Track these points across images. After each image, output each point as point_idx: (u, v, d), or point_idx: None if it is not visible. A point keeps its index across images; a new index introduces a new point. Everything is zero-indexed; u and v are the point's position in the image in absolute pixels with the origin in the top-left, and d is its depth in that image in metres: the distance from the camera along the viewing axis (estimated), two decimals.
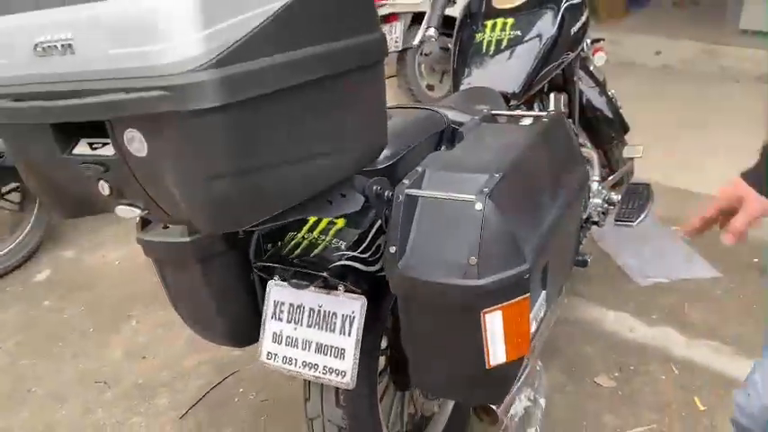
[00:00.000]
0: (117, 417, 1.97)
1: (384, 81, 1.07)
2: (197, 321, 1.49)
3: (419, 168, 1.15)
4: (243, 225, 0.92)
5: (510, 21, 2.06)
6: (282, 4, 0.83)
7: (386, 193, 1.20)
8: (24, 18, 0.84)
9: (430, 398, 1.66)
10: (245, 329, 1.46)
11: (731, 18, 5.76)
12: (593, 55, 2.44)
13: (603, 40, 2.45)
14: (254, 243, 1.38)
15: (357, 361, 1.25)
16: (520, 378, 1.46)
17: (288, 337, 1.33)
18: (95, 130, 0.86)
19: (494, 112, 1.47)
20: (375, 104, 1.05)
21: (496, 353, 1.10)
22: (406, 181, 1.11)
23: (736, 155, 3.63)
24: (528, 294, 1.08)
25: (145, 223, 1.40)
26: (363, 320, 1.24)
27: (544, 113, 1.37)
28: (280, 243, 1.34)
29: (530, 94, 2.01)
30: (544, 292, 1.22)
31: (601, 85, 2.58)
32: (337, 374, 1.26)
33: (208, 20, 0.75)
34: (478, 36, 2.07)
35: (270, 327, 1.35)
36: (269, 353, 1.35)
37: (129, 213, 0.93)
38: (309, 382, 1.38)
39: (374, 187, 1.19)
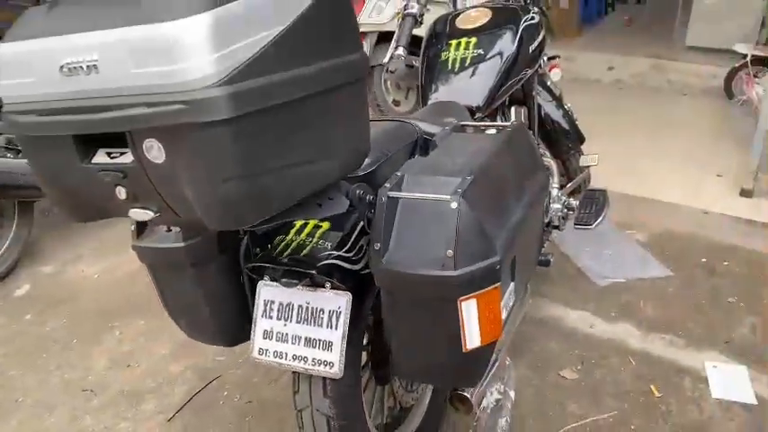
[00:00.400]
0: (105, 422, 2.03)
1: (366, 95, 1.20)
2: (189, 323, 1.58)
3: (398, 173, 1.27)
4: (248, 223, 1.03)
5: (473, 40, 2.21)
6: (282, 29, 0.95)
7: (367, 197, 1.33)
8: (51, 42, 0.94)
9: (409, 390, 1.77)
10: (235, 329, 1.56)
11: (678, 35, 6.08)
12: (550, 71, 2.62)
13: (559, 57, 2.63)
14: (243, 247, 1.49)
15: (344, 352, 1.35)
16: (490, 372, 1.59)
17: (278, 333, 1.43)
18: (113, 140, 0.97)
19: (462, 123, 1.61)
20: (359, 116, 1.17)
21: (472, 337, 1.23)
22: (387, 184, 1.24)
23: (684, 163, 3.87)
24: (499, 284, 1.21)
25: (140, 231, 1.50)
26: (349, 315, 1.35)
27: (508, 124, 1.52)
28: (269, 246, 1.45)
29: (492, 108, 2.16)
30: (513, 283, 1.36)
31: (557, 99, 2.76)
32: (326, 365, 1.37)
33: (219, 44, 0.87)
34: (444, 54, 2.21)
35: (260, 324, 1.45)
36: (260, 349, 1.45)
37: (142, 216, 1.03)
38: (298, 375, 1.47)
39: (357, 192, 1.31)
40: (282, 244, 1.42)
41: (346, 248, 1.38)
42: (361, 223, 1.39)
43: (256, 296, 1.45)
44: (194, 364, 2.26)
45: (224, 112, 0.87)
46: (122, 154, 0.98)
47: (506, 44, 2.19)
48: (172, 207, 1.00)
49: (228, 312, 1.53)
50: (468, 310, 1.20)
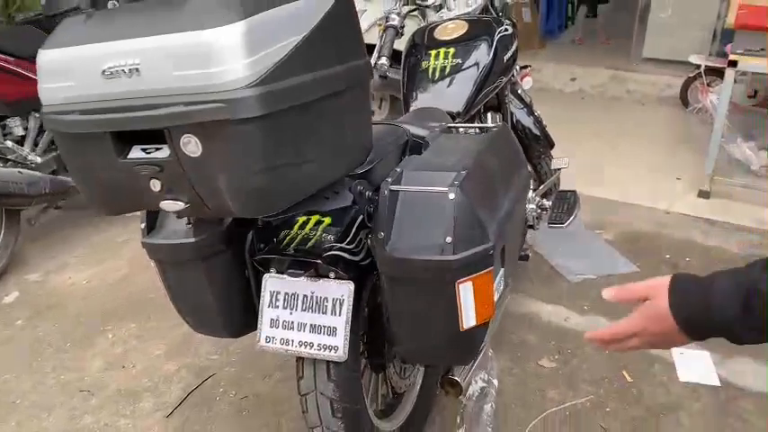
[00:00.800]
0: (104, 420, 2.09)
1: (369, 98, 1.32)
2: (196, 317, 1.66)
3: (398, 169, 1.39)
4: (272, 210, 1.14)
5: (451, 50, 2.35)
6: (303, 36, 1.07)
7: (366, 193, 1.45)
8: (93, 48, 1.04)
9: (402, 377, 1.88)
10: (241, 321, 1.65)
11: (636, 48, 6.36)
12: (522, 80, 2.77)
13: (530, 66, 2.79)
14: (248, 242, 1.59)
15: (348, 337, 1.46)
16: (477, 359, 1.71)
17: (284, 321, 1.53)
18: (148, 137, 1.07)
19: (449, 125, 1.74)
20: (364, 116, 1.30)
21: (468, 317, 1.35)
22: (389, 179, 1.36)
23: (645, 168, 4.07)
24: (492, 267, 1.34)
25: (150, 228, 1.58)
26: (352, 302, 1.46)
27: (493, 125, 1.65)
28: (275, 239, 1.55)
29: (471, 114, 2.30)
30: (502, 269, 1.48)
31: (528, 106, 2.92)
32: (330, 350, 1.47)
33: (252, 49, 0.98)
34: (424, 64, 2.35)
35: (267, 314, 1.54)
36: (267, 337, 1.54)
37: (172, 207, 1.13)
38: (303, 361, 1.56)
39: (358, 187, 1.43)
40: (288, 237, 1.53)
41: (348, 240, 1.50)
42: (360, 217, 1.51)
43: (262, 288, 1.54)
44: (188, 364, 2.33)
45: (257, 109, 0.98)
46: (158, 149, 1.08)
47: (483, 54, 2.33)
48: (202, 198, 1.10)
49: (234, 305, 1.62)
50: (465, 291, 1.32)
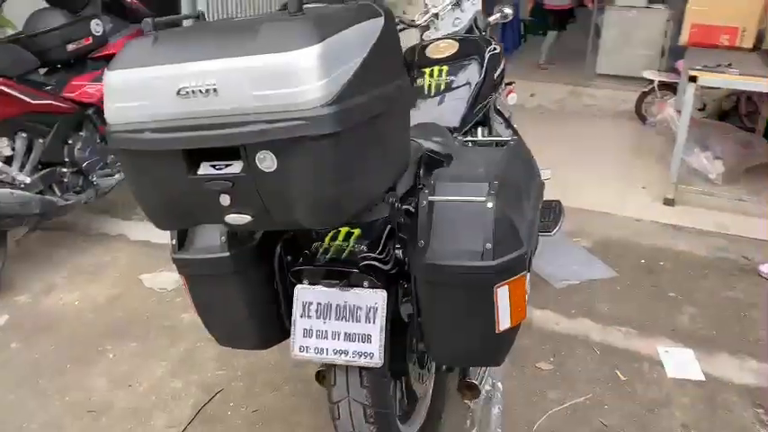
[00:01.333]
0: None
1: (410, 114, 1.40)
2: (227, 330, 1.69)
3: (431, 181, 1.47)
4: (341, 221, 1.20)
5: (444, 68, 2.46)
6: (363, 57, 1.14)
7: (397, 204, 1.52)
8: (168, 69, 1.09)
9: (420, 381, 1.94)
10: (270, 332, 1.70)
11: (589, 64, 6.65)
12: (507, 95, 2.90)
13: (514, 83, 2.92)
14: (277, 255, 1.64)
15: (383, 343, 1.52)
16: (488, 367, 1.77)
17: (318, 330, 1.58)
18: (218, 154, 1.11)
19: (466, 139, 1.84)
20: (406, 131, 1.37)
21: (504, 320, 1.43)
22: (425, 190, 1.43)
23: (610, 178, 4.26)
24: (526, 271, 1.43)
25: (180, 245, 1.61)
26: (386, 309, 1.53)
27: (509, 138, 1.75)
28: (307, 251, 1.61)
29: (465, 129, 2.41)
30: (528, 273, 1.57)
31: (507, 120, 3.05)
32: (366, 356, 1.53)
33: (327, 70, 1.05)
34: (419, 81, 2.45)
35: (300, 324, 1.59)
36: (301, 346, 1.58)
37: (239, 220, 1.18)
38: (335, 370, 1.61)
39: (390, 199, 1.50)
40: (322, 249, 1.58)
41: (379, 250, 1.57)
42: (388, 228, 1.59)
43: (294, 299, 1.59)
44: (195, 380, 2.34)
45: (333, 126, 1.05)
46: (228, 165, 1.12)
47: (475, 72, 2.45)
48: (269, 210, 1.15)
49: (264, 316, 1.67)
50: (502, 295, 1.40)
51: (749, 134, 4.58)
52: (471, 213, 1.39)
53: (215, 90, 1.06)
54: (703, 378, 2.38)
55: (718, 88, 4.45)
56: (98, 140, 3.18)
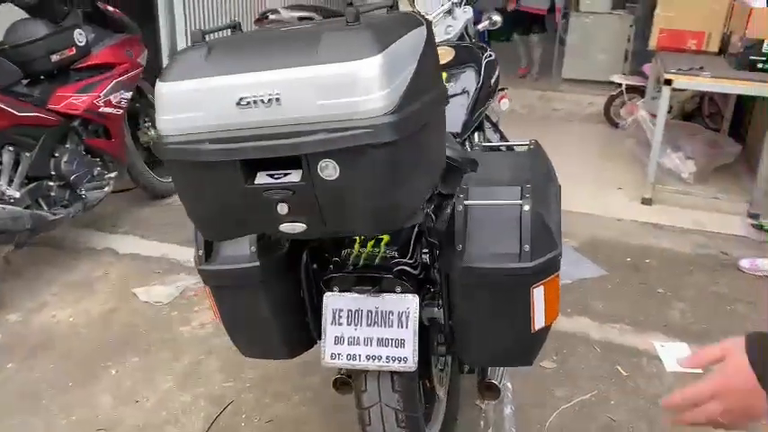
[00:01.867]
0: None
1: (445, 120, 1.43)
2: (251, 340, 1.69)
3: (464, 186, 1.50)
4: (398, 226, 1.21)
5: (443, 75, 2.49)
6: (415, 66, 1.16)
7: (425, 210, 1.54)
8: (227, 80, 1.09)
9: (441, 384, 1.96)
10: (297, 341, 1.70)
11: (556, 70, 6.81)
12: (500, 101, 2.96)
13: (507, 89, 2.98)
14: (303, 264, 1.64)
15: (416, 348, 1.54)
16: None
17: (350, 337, 1.58)
18: (276, 163, 1.12)
19: (486, 144, 1.87)
20: (443, 136, 1.40)
21: (539, 319, 1.47)
22: (461, 195, 1.46)
23: (586, 180, 4.36)
24: (559, 272, 1.47)
25: (207, 255, 1.60)
26: (417, 313, 1.54)
27: (528, 142, 1.80)
28: (337, 259, 1.61)
29: (467, 135, 2.45)
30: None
31: (494, 125, 3.11)
32: (400, 361, 1.54)
33: (389, 79, 1.07)
34: None
35: (331, 332, 1.59)
36: (332, 354, 1.58)
37: (294, 228, 1.18)
38: (365, 376, 1.62)
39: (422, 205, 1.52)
40: (353, 256, 1.59)
41: (409, 255, 1.59)
42: (415, 233, 1.61)
43: (324, 306, 1.59)
44: (203, 393, 2.31)
45: (395, 134, 1.07)
46: (286, 174, 1.13)
47: (473, 79, 2.49)
48: (325, 219, 1.16)
49: (291, 325, 1.67)
50: (538, 295, 1.44)
51: (716, 134, 4.76)
52: (508, 216, 1.42)
53: (278, 100, 1.07)
54: (701, 371, 2.46)
55: (685, 90, 4.64)
56: (84, 152, 3.11)
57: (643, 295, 2.97)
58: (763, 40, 3.75)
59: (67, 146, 3.03)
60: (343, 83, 1.05)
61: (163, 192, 3.86)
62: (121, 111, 3.28)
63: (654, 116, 4.40)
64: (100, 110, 3.13)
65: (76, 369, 2.42)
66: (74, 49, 3.06)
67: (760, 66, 3.78)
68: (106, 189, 3.20)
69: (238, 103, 1.09)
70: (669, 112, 5.21)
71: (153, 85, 3.59)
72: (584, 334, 2.67)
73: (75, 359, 2.48)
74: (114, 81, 3.21)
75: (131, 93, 3.37)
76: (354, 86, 1.05)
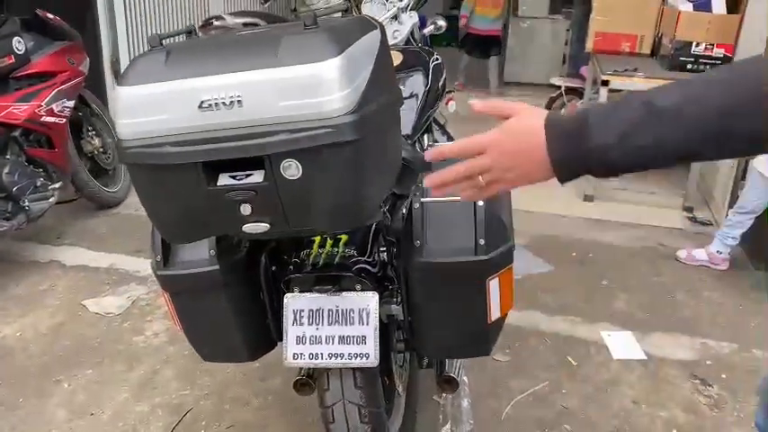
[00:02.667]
0: None
1: (400, 121, 1.47)
2: (214, 344, 1.69)
3: (419, 184, 1.54)
4: (359, 224, 1.24)
5: None
6: (371, 67, 1.20)
7: (383, 208, 1.59)
8: (189, 83, 1.10)
9: (402, 379, 2.00)
10: (258, 343, 1.71)
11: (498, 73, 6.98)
12: (447, 104, 3.03)
13: (453, 91, 3.05)
14: (262, 266, 1.65)
15: (377, 344, 1.57)
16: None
17: (311, 336, 1.61)
18: (238, 164, 1.14)
19: (437, 144, 1.92)
20: (399, 135, 1.44)
21: (495, 310, 1.53)
22: (417, 194, 1.50)
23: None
24: (513, 264, 1.53)
25: (165, 260, 1.60)
26: (377, 310, 1.58)
27: None
28: (297, 260, 1.63)
29: (417, 137, 2.51)
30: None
31: (442, 127, 3.18)
32: (362, 357, 1.57)
33: (349, 80, 1.11)
34: None
35: (292, 332, 1.60)
36: (295, 354, 1.60)
37: (257, 228, 1.20)
38: (327, 374, 1.64)
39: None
40: (312, 256, 1.61)
41: (367, 254, 1.63)
42: (372, 232, 1.65)
43: (284, 307, 1.61)
44: (160, 403, 2.28)
45: (357, 133, 1.10)
46: (248, 175, 1.15)
47: (421, 82, 2.55)
48: (289, 218, 1.18)
49: (253, 328, 1.68)
50: (494, 287, 1.50)
51: None
52: (463, 212, 1.47)
53: (239, 102, 1.09)
54: (645, 357, 2.59)
55: (621, 91, 4.83)
56: (26, 163, 3.03)
57: (589, 288, 3.09)
58: (691, 42, 3.96)
59: (8, 156, 2.95)
60: (304, 84, 1.08)
61: (109, 201, 3.79)
62: (64, 120, 3.21)
63: None
64: (42, 119, 3.06)
65: (27, 385, 2.36)
66: (12, 57, 2.98)
67: (689, 66, 3.99)
68: (50, 200, 3.12)
69: (200, 106, 1.10)
70: None
71: (95, 93, 3.52)
72: (534, 327, 2.76)
73: (25, 375, 2.42)
74: (56, 90, 3.14)
75: (74, 101, 3.30)
76: (316, 87, 1.08)
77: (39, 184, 3.07)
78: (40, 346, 2.59)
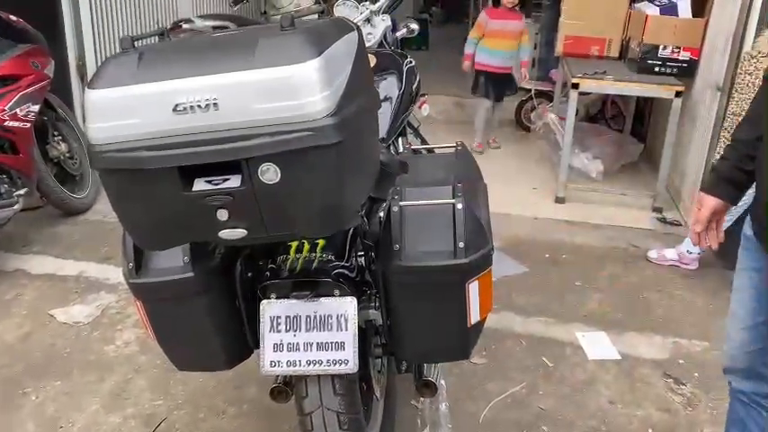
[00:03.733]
0: None
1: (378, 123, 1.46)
2: (189, 353, 1.66)
3: (397, 188, 1.53)
4: (339, 228, 1.22)
5: None
6: (349, 70, 1.18)
7: (360, 212, 1.57)
8: (163, 86, 1.07)
9: (379, 383, 1.98)
10: (234, 351, 1.68)
11: (470, 75, 6.98)
12: (420, 107, 3.03)
13: (427, 94, 3.05)
14: (238, 272, 1.62)
15: (356, 350, 1.55)
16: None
17: (289, 344, 1.58)
18: (215, 168, 1.11)
19: (414, 147, 1.91)
20: (377, 137, 1.43)
21: (474, 314, 1.52)
22: (396, 197, 1.49)
23: (503, 181, 4.50)
24: (491, 266, 1.52)
25: (138, 268, 1.56)
26: (356, 315, 1.56)
27: (454, 145, 1.85)
28: (273, 266, 1.60)
29: (391, 140, 2.50)
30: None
31: (416, 130, 3.18)
32: (341, 363, 1.55)
33: (329, 82, 1.09)
34: None
35: (270, 339, 1.58)
36: (272, 361, 1.57)
37: (233, 235, 1.18)
38: (305, 381, 1.62)
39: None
40: (289, 262, 1.59)
41: (345, 259, 1.61)
42: (349, 237, 1.63)
43: (261, 314, 1.58)
44: (133, 413, 2.23)
45: (337, 136, 1.09)
46: (225, 180, 1.12)
47: (395, 85, 2.54)
48: (266, 223, 1.16)
49: (229, 335, 1.64)
50: (473, 290, 1.49)
51: (619, 134, 5.04)
52: (442, 215, 1.47)
53: (215, 105, 1.06)
54: (619, 357, 2.61)
55: (590, 93, 4.89)
56: None
57: (562, 289, 3.11)
58: (658, 46, 4.02)
59: None
60: (283, 86, 1.06)
61: (76, 207, 3.70)
62: (29, 124, 3.13)
63: (562, 119, 4.62)
64: (5, 124, 2.97)
65: None
66: None
67: (657, 69, 4.05)
68: (15, 207, 3.03)
69: (175, 109, 1.07)
70: (576, 114, 5.53)
71: (61, 97, 3.44)
72: (510, 329, 2.77)
73: None
74: (20, 94, 3.05)
75: (39, 105, 3.22)
76: (295, 89, 1.06)
77: (3, 190, 2.98)
78: (6, 357, 2.51)
